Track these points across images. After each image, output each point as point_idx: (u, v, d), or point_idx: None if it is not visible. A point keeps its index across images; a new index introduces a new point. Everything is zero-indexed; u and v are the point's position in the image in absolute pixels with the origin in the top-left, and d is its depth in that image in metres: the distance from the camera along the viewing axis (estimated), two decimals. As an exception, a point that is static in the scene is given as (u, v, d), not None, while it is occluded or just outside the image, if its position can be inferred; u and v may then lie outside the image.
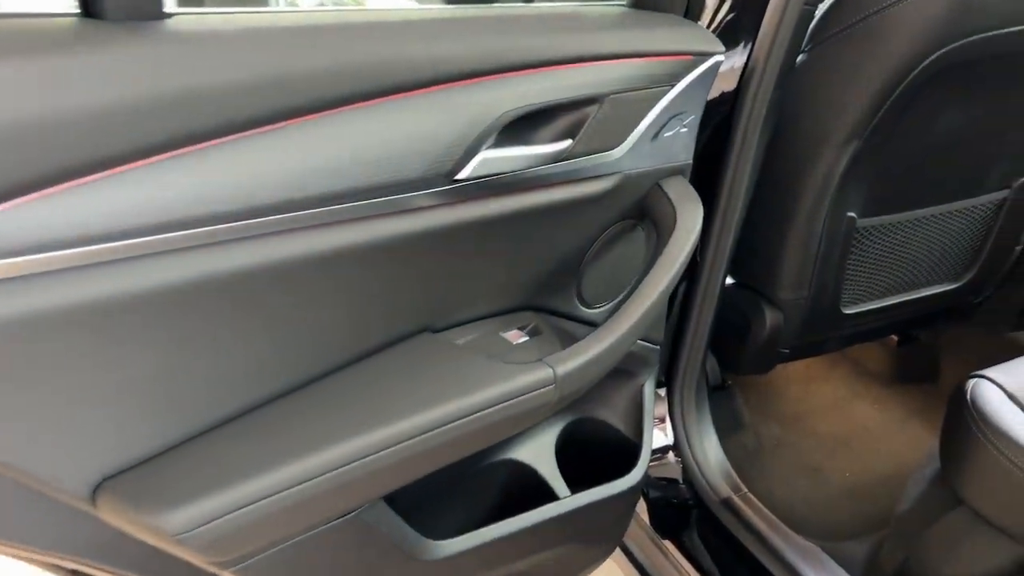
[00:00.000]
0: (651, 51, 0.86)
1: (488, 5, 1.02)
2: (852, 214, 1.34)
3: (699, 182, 1.02)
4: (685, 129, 0.94)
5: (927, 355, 1.86)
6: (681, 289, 1.34)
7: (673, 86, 0.89)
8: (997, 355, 1.86)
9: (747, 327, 1.47)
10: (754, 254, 1.41)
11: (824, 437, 1.68)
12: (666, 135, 0.92)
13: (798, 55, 1.15)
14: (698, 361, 1.40)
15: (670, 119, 0.91)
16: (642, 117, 0.88)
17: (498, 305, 0.91)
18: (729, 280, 1.50)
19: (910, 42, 1.12)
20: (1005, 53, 1.19)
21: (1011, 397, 1.12)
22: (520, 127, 0.79)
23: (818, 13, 1.21)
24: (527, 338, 0.90)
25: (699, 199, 0.96)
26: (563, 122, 0.82)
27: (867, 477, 1.59)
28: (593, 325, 0.98)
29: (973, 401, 1.12)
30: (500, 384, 0.76)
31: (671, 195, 0.94)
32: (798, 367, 1.85)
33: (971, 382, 1.16)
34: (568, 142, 0.83)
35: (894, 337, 1.89)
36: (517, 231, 0.86)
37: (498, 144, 0.77)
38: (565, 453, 1.14)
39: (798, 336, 1.47)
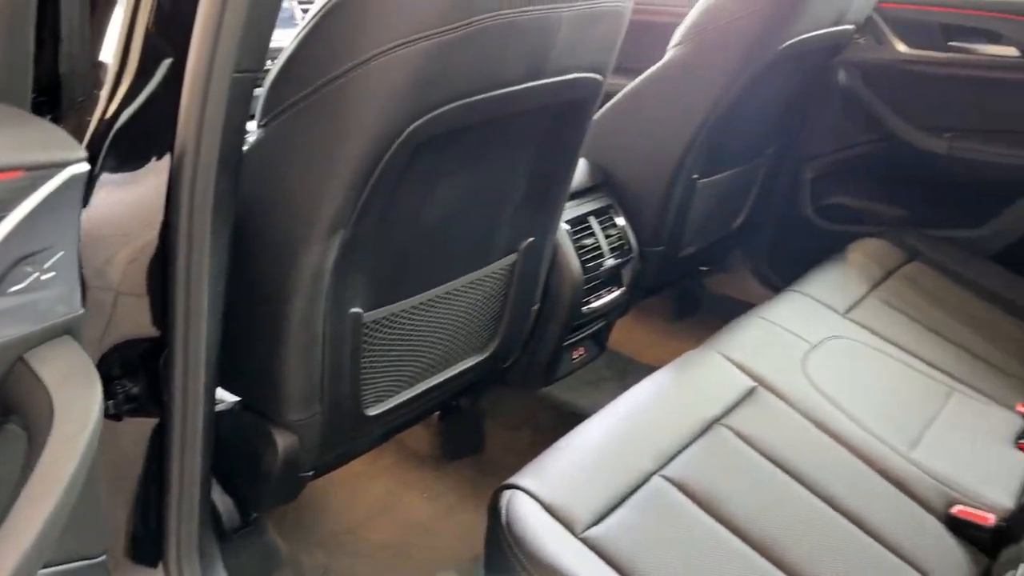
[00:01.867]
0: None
1: None
2: (357, 309, 1.12)
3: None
4: (51, 273, 0.61)
5: (471, 423, 1.76)
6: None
7: (-1, 219, 0.55)
8: (537, 412, 1.84)
9: (257, 458, 1.18)
10: (252, 373, 1.13)
11: (377, 550, 1.47)
12: (14, 290, 0.58)
13: (244, 135, 0.89)
14: (193, 523, 1.07)
15: (14, 266, 0.57)
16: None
17: None
18: (232, 398, 1.21)
19: (377, 116, 0.93)
20: (485, 120, 1.06)
21: (549, 510, 0.99)
22: None
23: (269, 80, 0.97)
24: None
25: (93, 368, 0.64)
26: None
27: (425, 593, 1.40)
28: None
29: (510, 525, 0.96)
30: None
31: (44, 374, 0.61)
32: (342, 484, 1.61)
33: (505, 496, 1.01)
34: None
35: (436, 412, 1.75)
36: None
37: None
38: None
39: (321, 454, 1.23)
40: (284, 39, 0.96)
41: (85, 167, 0.61)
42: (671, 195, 1.74)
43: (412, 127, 0.96)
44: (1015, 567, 1.03)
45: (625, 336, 2.08)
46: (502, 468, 1.68)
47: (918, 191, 2.10)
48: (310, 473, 1.25)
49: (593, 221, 1.65)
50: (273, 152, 0.98)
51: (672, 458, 1.12)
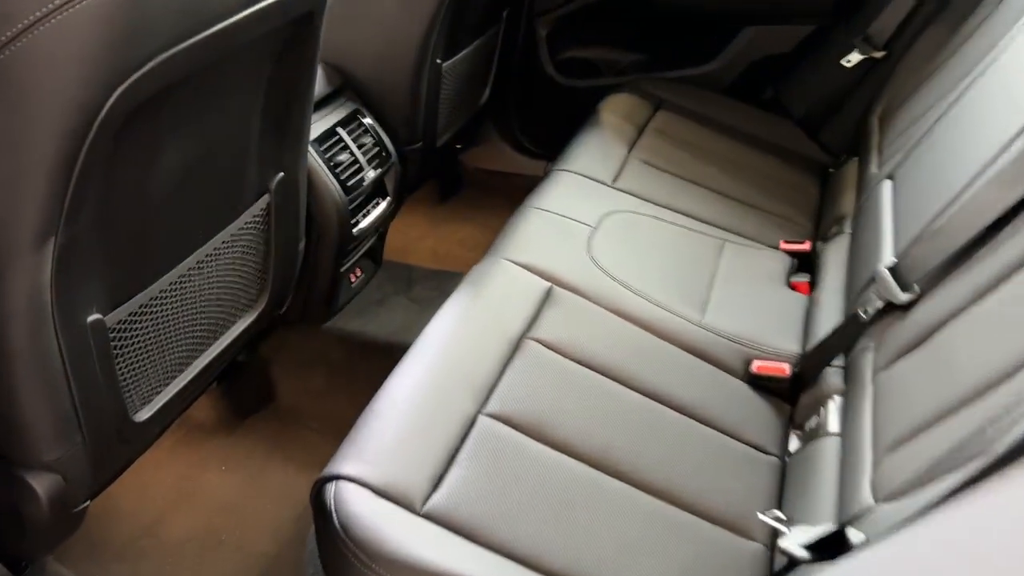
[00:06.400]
0: None
1: None
2: (96, 316, 0.93)
3: None
4: None
5: (255, 375, 1.60)
6: None
7: None
8: (326, 347, 1.71)
9: (16, 512, 0.99)
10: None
11: (183, 546, 1.32)
12: None
13: None
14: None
15: None
16: None
17: None
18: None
19: (62, 94, 0.72)
20: (197, 68, 0.87)
21: (383, 494, 0.90)
22: None
23: None
24: None
25: None
26: None
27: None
28: None
29: (345, 525, 0.87)
30: None
31: None
32: (127, 483, 1.39)
33: (330, 491, 0.91)
34: None
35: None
36: None
37: None
38: None
39: (94, 481, 1.05)
40: None
41: None
42: (419, 86, 1.61)
43: (113, 98, 0.76)
44: (816, 412, 1.11)
45: (396, 237, 1.97)
46: (301, 414, 1.56)
47: (649, 35, 2.11)
48: (86, 504, 1.07)
49: (343, 132, 1.49)
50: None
51: (491, 390, 1.06)
